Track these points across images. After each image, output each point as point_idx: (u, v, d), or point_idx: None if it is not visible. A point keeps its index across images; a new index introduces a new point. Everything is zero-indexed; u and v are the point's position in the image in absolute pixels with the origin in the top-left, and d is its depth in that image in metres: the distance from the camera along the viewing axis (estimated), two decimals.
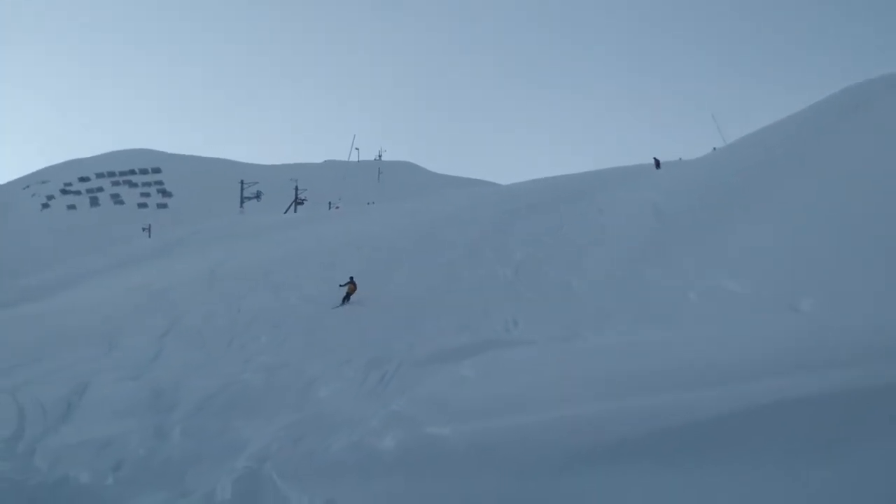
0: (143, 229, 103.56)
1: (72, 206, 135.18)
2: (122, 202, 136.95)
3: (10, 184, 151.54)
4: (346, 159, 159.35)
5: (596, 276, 31.06)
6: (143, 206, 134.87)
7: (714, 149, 54.71)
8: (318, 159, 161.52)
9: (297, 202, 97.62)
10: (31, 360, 25.44)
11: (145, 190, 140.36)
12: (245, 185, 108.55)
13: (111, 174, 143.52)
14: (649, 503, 10.26)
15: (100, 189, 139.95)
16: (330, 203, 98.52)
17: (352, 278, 32.55)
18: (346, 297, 31.93)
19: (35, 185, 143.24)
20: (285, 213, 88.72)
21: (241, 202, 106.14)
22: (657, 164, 54.25)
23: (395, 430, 14.17)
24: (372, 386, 19.55)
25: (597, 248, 34.68)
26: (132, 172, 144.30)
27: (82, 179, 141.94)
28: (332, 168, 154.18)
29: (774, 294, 24.02)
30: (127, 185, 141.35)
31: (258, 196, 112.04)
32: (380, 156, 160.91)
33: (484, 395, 16.51)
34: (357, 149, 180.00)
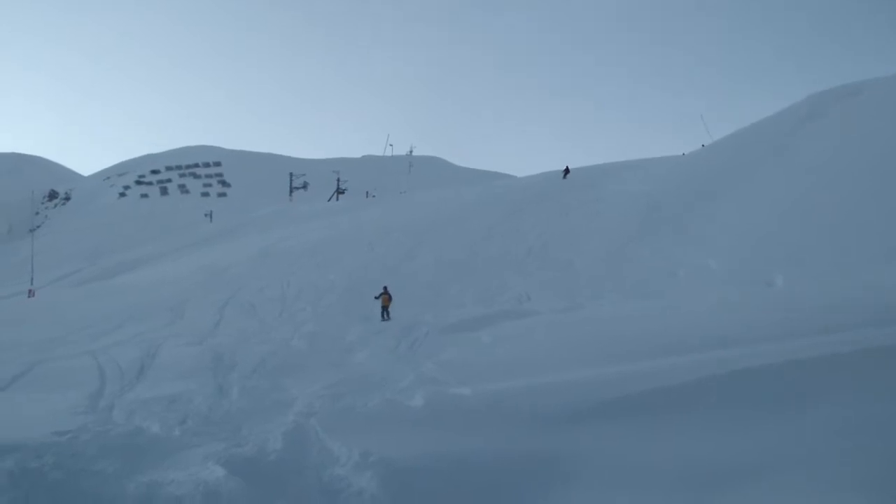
0: (206, 215, 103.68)
1: (145, 195, 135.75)
2: (187, 192, 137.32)
3: (93, 175, 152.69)
4: (382, 154, 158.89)
5: (595, 255, 30.96)
6: (205, 195, 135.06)
7: (703, 146, 54.14)
8: (357, 154, 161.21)
9: (339, 192, 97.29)
10: (111, 328, 25.59)
11: (207, 181, 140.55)
12: (294, 177, 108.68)
13: (178, 167, 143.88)
14: (640, 452, 10.24)
15: (168, 180, 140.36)
16: (367, 192, 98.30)
17: (385, 288, 26.62)
18: (385, 311, 26.08)
19: (114, 177, 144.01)
20: (328, 201, 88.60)
21: (290, 192, 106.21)
22: (565, 173, 52.91)
23: (423, 389, 14.16)
24: (403, 351, 19.56)
25: (596, 231, 34.56)
26: (196, 166, 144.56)
27: (154, 172, 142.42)
28: (369, 162, 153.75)
29: (750, 272, 23.95)
30: (192, 176, 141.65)
31: (305, 186, 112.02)
32: (411, 151, 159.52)
33: (499, 359, 16.50)
34: (391, 145, 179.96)
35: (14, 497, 9.46)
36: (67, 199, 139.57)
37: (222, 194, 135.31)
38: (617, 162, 56.53)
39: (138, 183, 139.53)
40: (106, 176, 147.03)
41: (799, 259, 23.49)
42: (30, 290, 52.75)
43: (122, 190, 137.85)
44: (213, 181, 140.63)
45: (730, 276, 24.52)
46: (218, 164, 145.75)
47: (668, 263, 27.36)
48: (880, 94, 35.12)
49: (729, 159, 37.39)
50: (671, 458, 9.94)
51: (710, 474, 9.28)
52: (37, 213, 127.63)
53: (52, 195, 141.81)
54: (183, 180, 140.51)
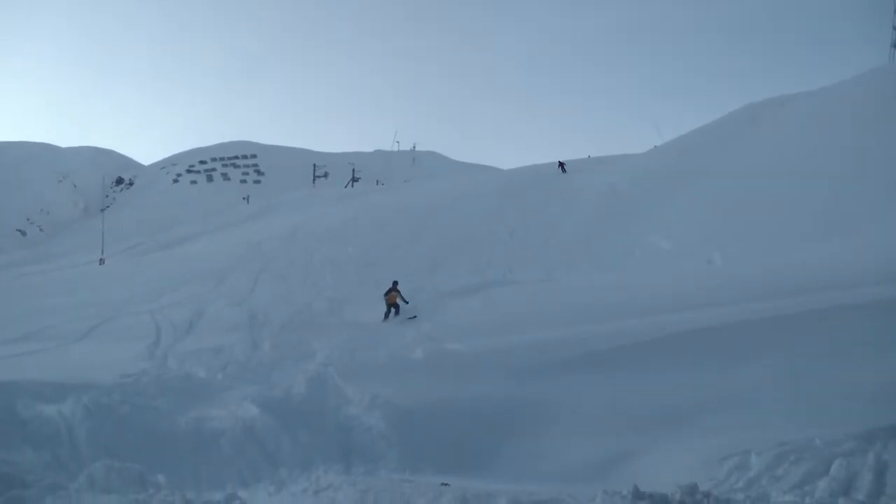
0: (243, 199, 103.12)
1: (194, 182, 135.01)
2: (228, 179, 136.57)
3: (151, 165, 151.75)
4: (390, 149, 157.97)
5: (567, 236, 30.99)
6: (243, 182, 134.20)
7: (654, 146, 53.80)
8: (370, 149, 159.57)
9: (354, 180, 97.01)
10: (166, 291, 25.61)
11: (245, 171, 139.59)
12: (316, 168, 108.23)
13: (221, 159, 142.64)
14: (604, 395, 10.40)
15: (213, 170, 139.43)
16: (377, 181, 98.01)
17: (395, 283, 19.60)
18: (393, 309, 19.24)
19: (168, 167, 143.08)
20: (345, 188, 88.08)
21: (314, 180, 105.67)
22: (563, 167, 48.89)
23: (423, 345, 14.28)
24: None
25: (568, 215, 34.53)
26: (236, 158, 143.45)
27: (201, 162, 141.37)
28: (379, 155, 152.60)
29: (695, 250, 24.06)
30: (232, 166, 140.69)
31: (326, 175, 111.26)
32: (414, 147, 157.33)
33: (487, 320, 16.61)
34: (398, 141, 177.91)
35: (90, 426, 9.75)
36: (131, 184, 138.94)
37: (257, 181, 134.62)
38: (584, 158, 56.28)
39: (188, 171, 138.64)
40: (162, 166, 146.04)
41: (737, 241, 23.58)
42: (101, 259, 52.66)
43: (175, 177, 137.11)
44: (250, 171, 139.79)
45: (678, 254, 24.61)
46: (254, 156, 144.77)
47: (627, 243, 27.43)
48: (802, 105, 35.45)
49: (678, 158, 37.40)
50: (627, 403, 10.12)
51: (660, 417, 9.45)
52: (106, 196, 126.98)
53: (119, 181, 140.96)
54: (225, 170, 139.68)
